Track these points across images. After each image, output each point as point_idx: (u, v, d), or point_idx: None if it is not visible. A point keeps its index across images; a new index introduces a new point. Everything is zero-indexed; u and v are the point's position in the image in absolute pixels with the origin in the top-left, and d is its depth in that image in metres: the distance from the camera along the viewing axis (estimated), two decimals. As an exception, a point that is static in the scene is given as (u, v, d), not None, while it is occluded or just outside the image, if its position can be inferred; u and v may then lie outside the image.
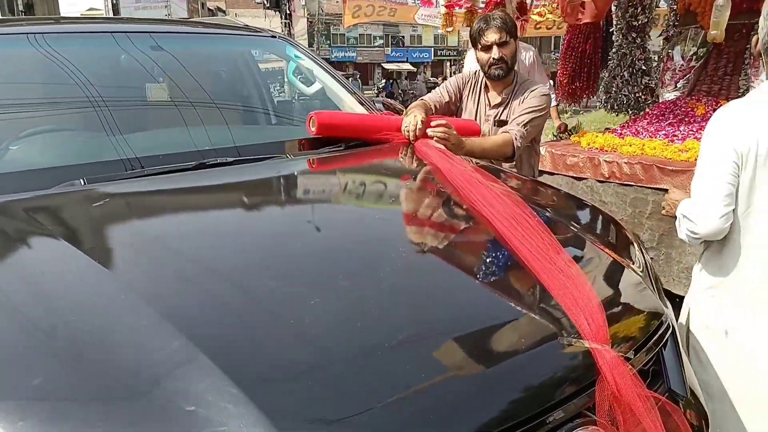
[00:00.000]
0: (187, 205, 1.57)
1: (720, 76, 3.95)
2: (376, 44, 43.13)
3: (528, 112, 2.49)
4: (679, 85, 4.17)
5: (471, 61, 4.08)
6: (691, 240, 1.71)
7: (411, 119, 2.20)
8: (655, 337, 1.25)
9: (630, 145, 3.48)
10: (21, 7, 19.41)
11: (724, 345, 1.65)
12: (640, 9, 4.72)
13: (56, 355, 0.90)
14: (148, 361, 0.89)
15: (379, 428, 0.84)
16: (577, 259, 1.37)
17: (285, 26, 15.59)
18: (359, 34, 41.42)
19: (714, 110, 3.46)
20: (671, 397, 1.24)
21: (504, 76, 2.53)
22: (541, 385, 1.01)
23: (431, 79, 33.54)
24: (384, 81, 31.72)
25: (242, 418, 0.79)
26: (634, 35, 4.88)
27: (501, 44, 2.48)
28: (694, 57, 4.10)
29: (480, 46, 2.52)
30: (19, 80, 1.85)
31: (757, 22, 1.60)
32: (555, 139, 5.30)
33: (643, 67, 5.06)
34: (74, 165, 1.64)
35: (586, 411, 1.04)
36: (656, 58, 5.30)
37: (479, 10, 4.87)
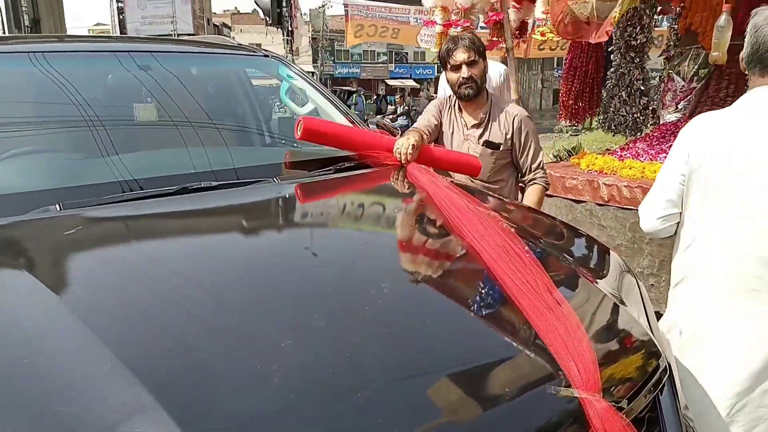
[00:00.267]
0: (162, 234, 1.51)
1: (722, 98, 3.90)
2: (379, 60, 43.35)
3: (535, 150, 2.64)
4: (680, 107, 4.12)
5: (445, 84, 4.06)
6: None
7: (404, 141, 2.15)
8: (651, 382, 1.18)
9: (630, 168, 3.43)
10: (27, 23, 19.58)
11: (678, 345, 1.71)
12: (639, 28, 4.70)
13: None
14: (99, 411, 0.82)
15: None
16: (569, 296, 1.30)
17: (287, 43, 15.62)
18: (363, 51, 41.64)
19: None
20: (669, 446, 1.17)
21: (474, 96, 2.55)
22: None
23: (434, 95, 33.64)
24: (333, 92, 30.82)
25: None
26: (632, 55, 4.86)
27: (470, 63, 2.49)
28: (696, 78, 4.06)
29: (450, 66, 2.54)
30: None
31: None
32: (554, 160, 5.25)
33: (642, 87, 5.02)
34: (51, 189, 1.58)
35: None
36: (657, 78, 5.27)
37: (476, 29, 4.84)
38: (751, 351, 1.58)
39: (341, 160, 2.05)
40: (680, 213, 1.74)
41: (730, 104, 3.99)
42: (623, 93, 5.09)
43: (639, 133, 4.89)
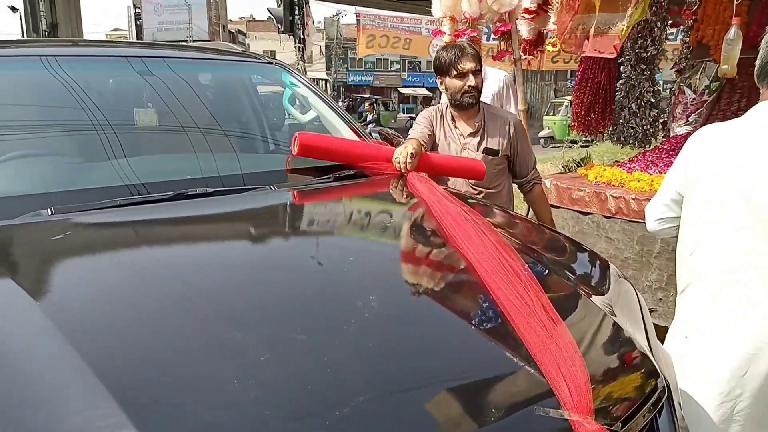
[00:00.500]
0: (150, 241, 1.49)
1: (734, 111, 3.84)
2: (392, 69, 43.49)
3: (529, 151, 2.79)
4: (691, 119, 4.06)
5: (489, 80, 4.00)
6: None
7: (402, 150, 2.12)
8: (648, 403, 1.14)
9: (638, 181, 3.37)
10: (45, 27, 19.86)
11: (685, 349, 1.74)
12: (649, 41, 4.64)
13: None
14: (64, 423, 0.80)
15: None
16: (566, 313, 1.26)
17: (298, 50, 15.71)
18: (376, 59, 41.80)
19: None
20: (665, 470, 1.12)
21: (474, 104, 2.59)
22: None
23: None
24: (347, 99, 31.03)
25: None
26: (642, 67, 4.80)
27: (475, 72, 2.52)
28: (707, 91, 4.00)
29: (455, 73, 2.52)
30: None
31: None
32: (562, 171, 5.20)
33: (652, 100, 4.96)
34: (44, 194, 1.57)
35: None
36: (668, 91, 5.21)
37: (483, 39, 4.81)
38: (746, 359, 1.59)
39: (341, 168, 2.03)
40: (678, 217, 1.83)
41: (742, 118, 3.89)
42: (633, 105, 5.03)
43: (648, 146, 4.83)
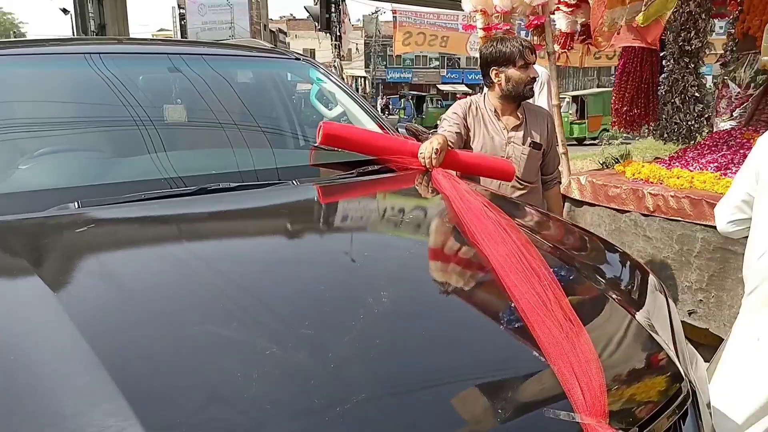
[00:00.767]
0: (171, 235, 1.50)
1: (782, 106, 3.68)
2: (431, 66, 43.29)
3: (555, 147, 2.80)
4: (735, 114, 3.90)
5: None
6: None
7: (428, 146, 2.09)
8: (670, 408, 1.09)
9: (678, 178, 3.25)
10: (93, 28, 20.50)
11: (755, 351, 1.78)
12: (693, 33, 4.47)
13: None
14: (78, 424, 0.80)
15: None
16: (585, 314, 1.22)
17: (335, 48, 15.79)
18: (415, 56, 41.68)
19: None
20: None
21: (532, 96, 2.67)
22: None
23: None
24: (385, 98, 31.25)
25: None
26: (686, 60, 4.63)
27: (533, 64, 2.58)
28: (753, 84, 3.83)
29: (521, 64, 2.54)
30: (20, 100, 1.85)
31: None
32: (600, 168, 5.06)
33: (696, 94, 4.78)
34: (73, 187, 1.61)
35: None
36: (712, 85, 5.01)
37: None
38: None
39: (366, 163, 2.01)
40: (749, 218, 1.88)
41: (791, 112, 3.76)
42: (676, 99, 4.86)
43: (693, 142, 4.66)
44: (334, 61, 16.27)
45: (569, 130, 13.73)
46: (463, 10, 4.09)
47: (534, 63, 2.58)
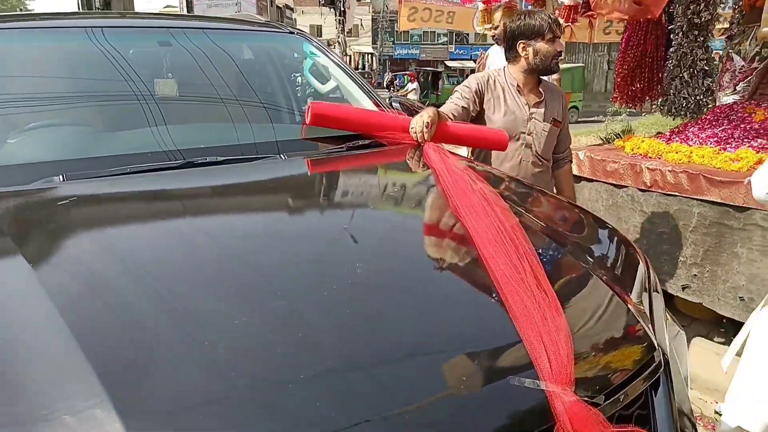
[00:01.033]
0: (154, 207, 1.52)
1: (787, 79, 3.62)
2: (439, 42, 42.79)
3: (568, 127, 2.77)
4: (738, 88, 3.83)
5: (497, 59, 3.91)
6: None
7: (418, 120, 2.09)
8: (639, 378, 1.10)
9: (676, 152, 3.22)
10: (99, 4, 20.36)
11: None
12: (703, 5, 4.38)
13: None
14: (41, 388, 0.82)
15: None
16: (562, 285, 1.23)
17: (339, 23, 15.57)
18: (423, 32, 41.17)
19: (776, 117, 3.14)
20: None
21: (558, 70, 2.69)
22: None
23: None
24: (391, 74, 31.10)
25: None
26: (695, 33, 4.54)
27: (560, 39, 2.56)
28: (758, 58, 3.76)
29: (550, 37, 2.51)
30: (6, 75, 1.85)
31: None
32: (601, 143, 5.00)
33: (705, 68, 4.69)
34: (59, 161, 1.62)
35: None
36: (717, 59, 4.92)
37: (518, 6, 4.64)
38: None
39: (356, 138, 2.01)
40: None
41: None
42: (685, 74, 4.77)
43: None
44: (338, 37, 16.09)
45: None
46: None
47: (560, 37, 2.55)
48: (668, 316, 1.54)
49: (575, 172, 3.63)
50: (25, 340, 0.91)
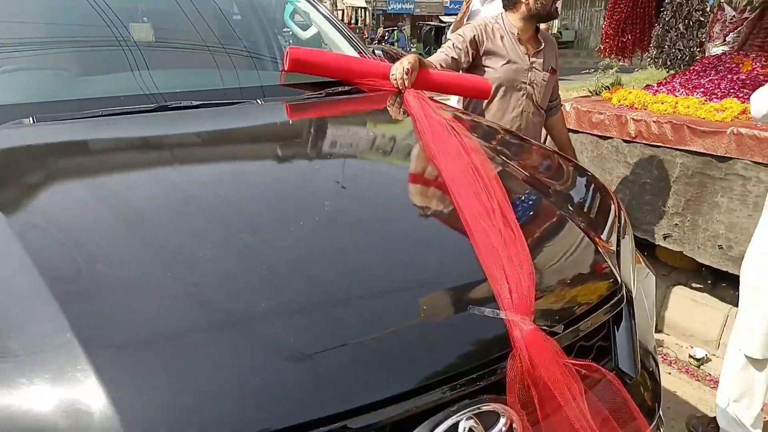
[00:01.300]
0: (126, 150, 1.50)
1: (777, 30, 3.57)
2: (434, -4, 41.84)
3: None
4: (728, 39, 3.79)
5: (492, 9, 3.83)
6: None
7: (398, 66, 2.06)
8: (600, 310, 1.12)
9: (662, 103, 3.21)
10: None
11: None
12: (698, -46, 4.28)
13: None
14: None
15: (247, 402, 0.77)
16: (530, 224, 1.24)
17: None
18: (417, -15, 40.21)
19: (763, 66, 3.12)
20: (619, 376, 1.12)
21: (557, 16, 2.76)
22: (438, 359, 0.90)
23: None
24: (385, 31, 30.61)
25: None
26: (691, -17, 4.45)
27: None
28: (749, 7, 3.70)
29: None
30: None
31: None
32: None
33: (701, 19, 4.61)
34: (29, 103, 1.60)
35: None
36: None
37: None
38: None
39: (335, 84, 1.99)
40: None
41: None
42: (680, 25, 4.69)
43: (691, 69, 4.54)
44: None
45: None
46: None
47: None
48: (641, 260, 1.57)
49: (561, 123, 3.62)
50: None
